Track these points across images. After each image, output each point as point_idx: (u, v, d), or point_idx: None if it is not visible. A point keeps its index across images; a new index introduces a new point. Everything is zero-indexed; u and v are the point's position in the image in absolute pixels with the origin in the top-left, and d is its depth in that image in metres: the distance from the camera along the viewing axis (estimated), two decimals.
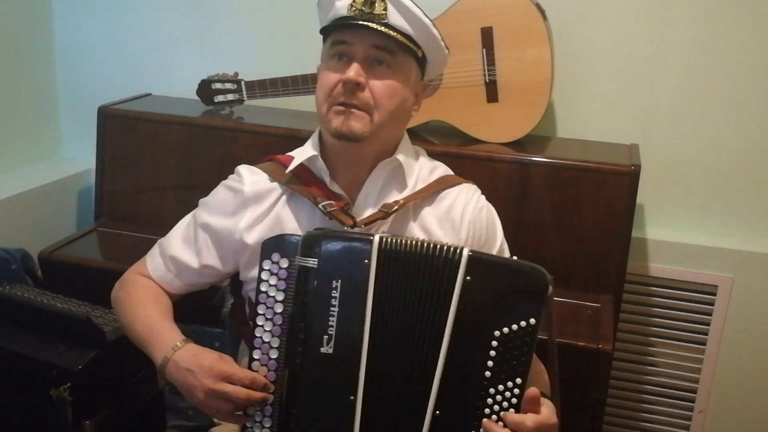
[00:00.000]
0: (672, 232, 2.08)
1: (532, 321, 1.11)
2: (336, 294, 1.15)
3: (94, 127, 2.18)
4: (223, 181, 1.41)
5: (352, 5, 1.24)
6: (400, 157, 1.33)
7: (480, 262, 1.14)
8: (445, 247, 1.16)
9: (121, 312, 1.39)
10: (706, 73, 1.99)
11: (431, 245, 1.17)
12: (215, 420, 1.51)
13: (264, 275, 1.20)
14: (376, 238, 1.17)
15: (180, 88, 2.30)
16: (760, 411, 2.10)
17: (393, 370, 1.17)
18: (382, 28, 1.24)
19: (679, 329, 2.08)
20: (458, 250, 1.15)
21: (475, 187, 1.41)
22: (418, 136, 1.99)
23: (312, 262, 1.16)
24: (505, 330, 1.12)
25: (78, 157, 2.51)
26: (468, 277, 1.13)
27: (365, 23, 1.23)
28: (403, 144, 1.37)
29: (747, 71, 1.96)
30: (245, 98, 2.14)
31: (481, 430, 1.14)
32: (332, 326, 1.15)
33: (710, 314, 2.04)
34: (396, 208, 1.31)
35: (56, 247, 2.02)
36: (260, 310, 1.20)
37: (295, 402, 1.18)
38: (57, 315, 1.69)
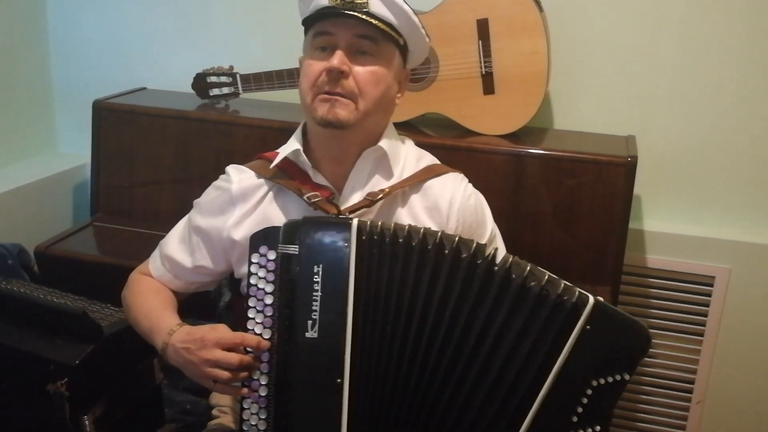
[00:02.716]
0: (669, 224, 2.08)
1: (627, 376, 1.15)
2: (318, 279, 1.17)
3: (89, 122, 2.17)
4: (213, 182, 1.43)
5: None
6: (384, 144, 1.33)
7: (604, 314, 1.14)
8: (563, 283, 1.15)
9: (127, 310, 1.43)
10: (704, 64, 1.98)
11: (421, 231, 1.18)
12: (213, 414, 1.51)
13: (253, 268, 1.21)
14: (355, 222, 1.18)
15: (175, 82, 2.29)
16: (757, 401, 2.10)
17: (382, 353, 1.17)
18: (364, 17, 1.24)
19: (677, 320, 2.08)
20: (583, 294, 1.14)
21: (462, 175, 1.42)
22: (414, 128, 1.98)
23: (293, 249, 1.18)
24: (602, 381, 1.14)
25: (73, 151, 2.50)
26: (588, 326, 1.13)
27: (347, 12, 1.24)
28: (387, 132, 1.37)
29: (744, 62, 1.96)
30: (240, 91, 2.13)
31: None
32: (315, 311, 1.17)
33: (708, 305, 2.04)
34: (381, 196, 1.31)
35: (52, 242, 2.01)
36: (251, 303, 1.21)
37: (285, 388, 1.19)
38: (54, 310, 1.69)
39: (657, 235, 2.04)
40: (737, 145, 2.01)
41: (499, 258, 1.17)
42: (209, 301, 1.60)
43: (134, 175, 2.16)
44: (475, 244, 1.17)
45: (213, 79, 2.14)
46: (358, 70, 1.27)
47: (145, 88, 2.36)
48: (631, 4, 1.99)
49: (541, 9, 1.86)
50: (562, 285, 1.15)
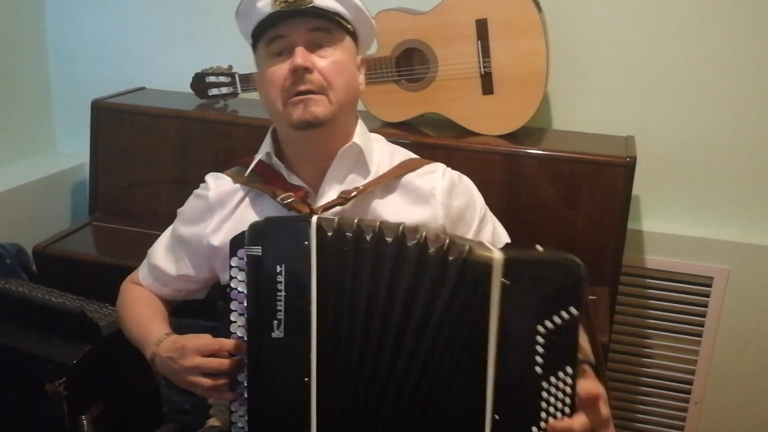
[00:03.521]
0: (668, 224, 2.08)
1: (573, 311, 1.11)
2: (281, 279, 1.16)
3: (87, 121, 2.17)
4: (194, 191, 1.44)
5: (275, 0, 1.25)
6: (358, 141, 1.33)
7: (520, 263, 1.13)
8: (477, 250, 1.14)
9: (120, 320, 1.46)
10: (703, 64, 1.98)
11: (386, 227, 1.17)
12: (211, 413, 1.51)
13: (233, 272, 1.21)
14: (314, 219, 1.17)
15: (174, 82, 2.29)
16: (755, 402, 2.10)
17: (352, 349, 1.16)
18: (314, 10, 1.25)
19: (675, 321, 2.08)
20: (488, 254, 1.13)
21: (439, 164, 1.40)
22: (413, 128, 1.98)
23: (256, 251, 1.18)
24: (549, 324, 1.12)
25: (72, 151, 2.50)
26: (504, 280, 1.12)
27: (295, 11, 1.24)
28: (359, 129, 1.37)
29: (743, 63, 1.96)
30: (239, 91, 2.13)
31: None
32: (280, 311, 1.16)
33: (706, 306, 2.04)
34: (355, 194, 1.31)
35: (51, 242, 2.01)
36: (232, 306, 1.22)
37: (258, 388, 1.19)
38: (52, 309, 1.69)
39: (656, 236, 2.04)
40: (736, 146, 2.01)
41: (434, 239, 1.16)
42: (207, 300, 1.60)
43: (133, 174, 2.16)
44: (424, 233, 1.16)
45: (212, 78, 2.14)
46: (320, 62, 1.26)
47: (143, 88, 2.36)
48: (631, 5, 1.99)
49: (540, 9, 1.86)
50: (467, 247, 1.14)
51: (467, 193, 1.40)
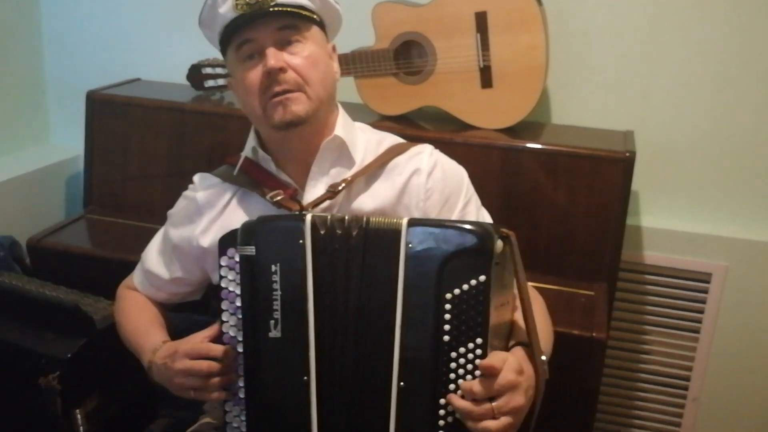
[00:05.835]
0: (667, 220, 2.07)
1: (482, 278, 1.09)
2: (276, 278, 1.16)
3: (82, 113, 2.15)
4: (183, 192, 1.44)
5: (236, 4, 1.23)
6: (340, 133, 1.32)
7: (419, 228, 1.13)
8: (383, 219, 1.15)
9: (117, 326, 1.46)
10: (703, 60, 1.97)
11: (365, 218, 1.16)
12: (204, 409, 1.51)
13: (223, 272, 1.21)
14: (308, 217, 1.16)
15: (170, 73, 2.27)
16: (753, 399, 2.10)
17: (346, 346, 1.16)
18: (277, 9, 1.23)
19: (673, 317, 2.07)
20: (396, 220, 1.14)
21: (426, 146, 1.39)
22: (411, 122, 1.97)
23: (250, 250, 1.17)
24: (456, 291, 1.10)
25: (66, 143, 2.48)
26: (410, 245, 1.12)
27: (258, 13, 1.23)
28: (341, 120, 1.36)
29: (743, 58, 1.95)
30: None
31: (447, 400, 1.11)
32: (277, 310, 1.16)
33: (704, 302, 2.03)
34: (343, 186, 1.30)
35: (44, 235, 2.00)
36: (223, 306, 1.21)
37: (256, 389, 1.18)
38: (46, 303, 1.68)
39: (654, 232, 2.03)
40: (736, 142, 2.00)
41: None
42: (203, 295, 1.59)
43: (128, 167, 2.14)
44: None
45: (208, 70, 2.13)
46: (293, 60, 1.25)
47: (139, 79, 2.35)
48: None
49: (540, 3, 1.85)
50: (383, 219, 1.16)
51: (452, 177, 1.38)
